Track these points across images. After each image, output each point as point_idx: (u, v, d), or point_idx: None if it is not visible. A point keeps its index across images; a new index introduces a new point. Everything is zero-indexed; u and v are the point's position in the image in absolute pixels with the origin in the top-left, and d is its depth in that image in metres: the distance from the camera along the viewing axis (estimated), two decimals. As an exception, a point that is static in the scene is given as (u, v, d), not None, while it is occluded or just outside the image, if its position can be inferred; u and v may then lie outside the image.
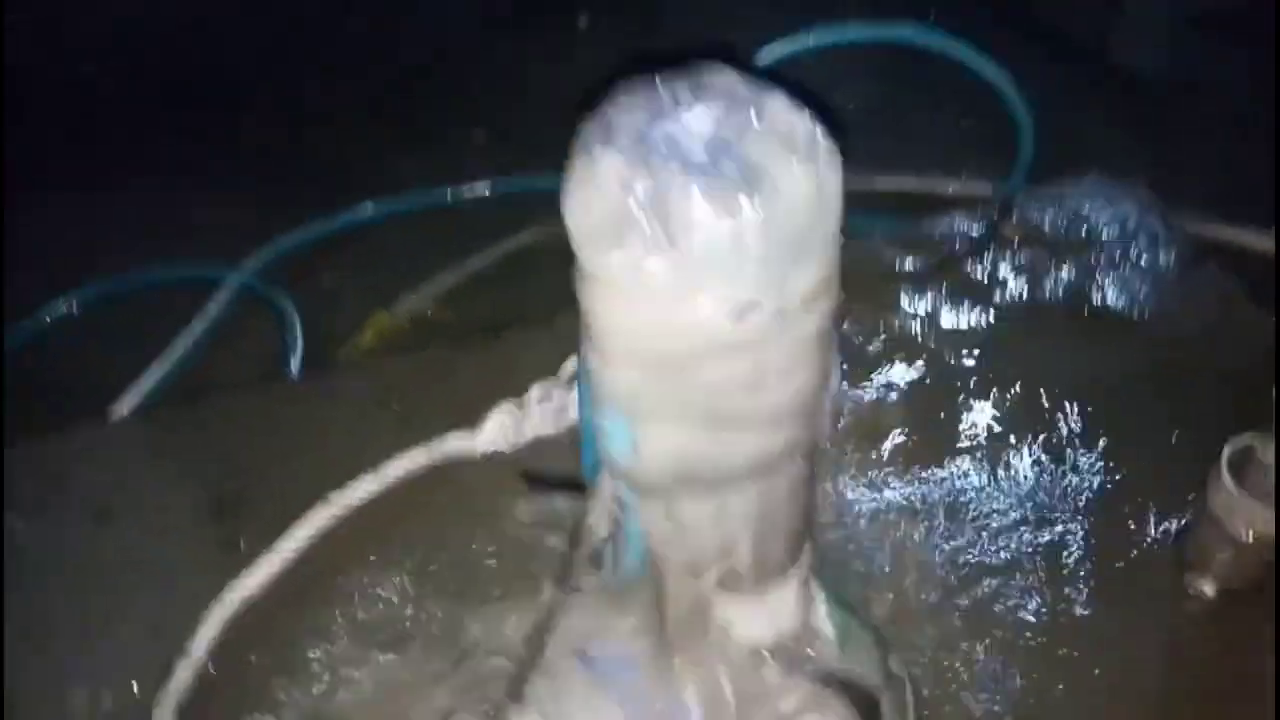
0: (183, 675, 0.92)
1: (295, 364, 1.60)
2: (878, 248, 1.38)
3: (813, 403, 0.53)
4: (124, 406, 1.49)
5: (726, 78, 0.47)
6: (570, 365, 1.16)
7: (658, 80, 0.46)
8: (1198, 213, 1.55)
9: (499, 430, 1.13)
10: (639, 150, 0.44)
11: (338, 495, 1.08)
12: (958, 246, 1.39)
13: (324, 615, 1.00)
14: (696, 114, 0.45)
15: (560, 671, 0.77)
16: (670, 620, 0.69)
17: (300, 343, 1.62)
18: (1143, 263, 1.34)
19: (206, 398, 1.29)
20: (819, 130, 0.46)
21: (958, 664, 0.94)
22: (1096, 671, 0.93)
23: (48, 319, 1.77)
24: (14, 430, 1.31)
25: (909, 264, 1.36)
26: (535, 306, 1.30)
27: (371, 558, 1.05)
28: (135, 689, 0.95)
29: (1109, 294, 1.30)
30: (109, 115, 2.21)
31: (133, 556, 1.08)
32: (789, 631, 0.73)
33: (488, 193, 1.93)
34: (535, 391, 1.15)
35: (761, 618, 0.71)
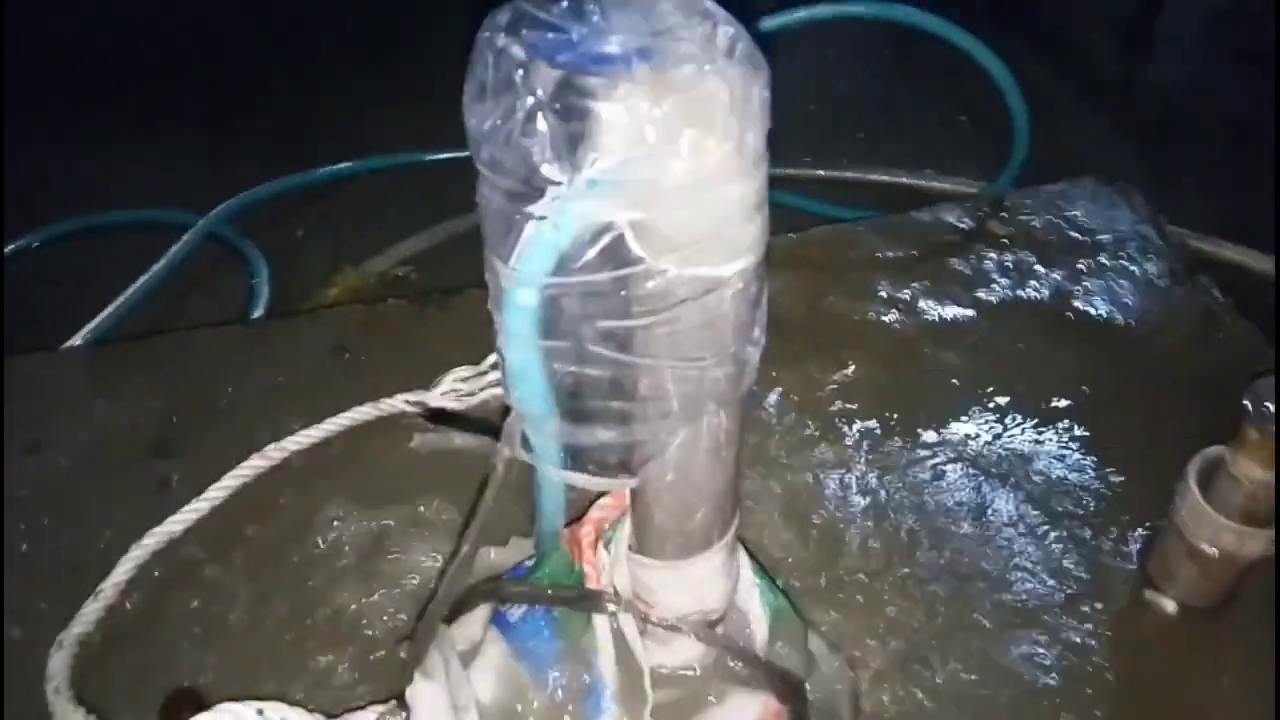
0: (90, 613, 0.88)
1: (259, 314, 1.57)
2: (857, 234, 1.35)
3: (729, 348, 0.49)
4: (78, 341, 1.46)
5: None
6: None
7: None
8: (1193, 226, 1.51)
9: (451, 390, 1.10)
10: (547, 44, 0.40)
11: (275, 447, 1.04)
12: (943, 240, 1.35)
13: (245, 563, 0.97)
14: (614, 11, 0.41)
15: (471, 634, 0.73)
16: (585, 583, 0.65)
17: (266, 293, 1.59)
18: (1132, 270, 1.30)
19: (158, 335, 1.26)
20: (743, 36, 0.42)
21: (905, 663, 0.90)
22: (1046, 682, 0.89)
23: (13, 253, 1.74)
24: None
25: (889, 253, 1.32)
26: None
27: (302, 508, 1.01)
28: (45, 624, 0.91)
29: (1094, 299, 1.26)
30: (97, 59, 2.19)
31: (62, 490, 1.05)
32: (713, 607, 0.69)
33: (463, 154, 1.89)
34: (492, 358, 1.12)
35: (683, 589, 0.67)
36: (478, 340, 1.13)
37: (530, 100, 0.40)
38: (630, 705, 0.68)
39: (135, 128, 2.02)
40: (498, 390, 1.09)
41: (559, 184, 0.41)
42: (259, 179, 1.81)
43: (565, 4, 0.41)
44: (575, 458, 0.55)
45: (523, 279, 0.45)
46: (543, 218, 0.42)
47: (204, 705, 0.79)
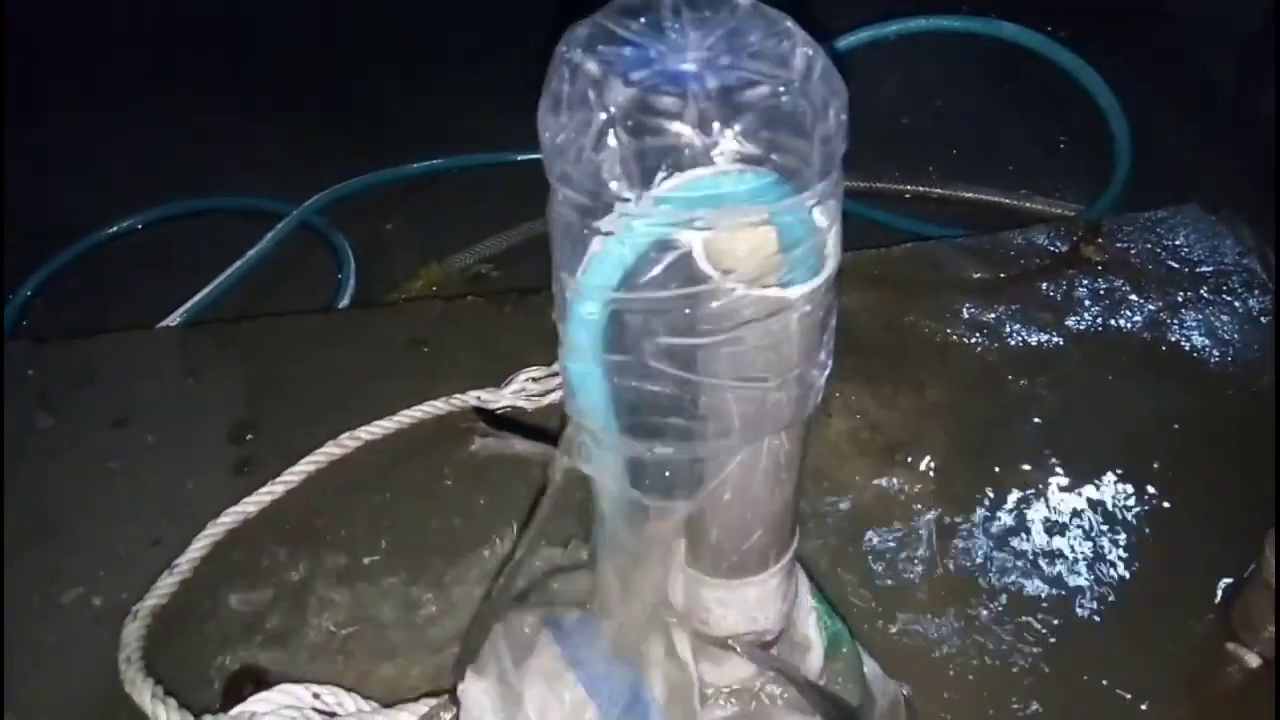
0: (164, 587, 0.91)
1: (345, 303, 1.61)
2: (943, 253, 1.32)
3: (793, 370, 0.48)
4: (172, 321, 1.52)
5: (734, -4, 0.42)
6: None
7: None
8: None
9: (521, 389, 1.11)
10: (623, 61, 0.40)
11: (349, 435, 1.06)
12: (1033, 263, 1.31)
13: (313, 548, 0.99)
14: (692, 30, 0.40)
15: (524, 637, 0.74)
16: (631, 595, 0.65)
17: (352, 284, 1.63)
18: (1233, 304, 1.24)
19: (245, 320, 1.30)
20: (821, 57, 0.41)
21: (969, 702, 0.88)
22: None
23: (117, 233, 1.82)
24: (69, 327, 1.34)
25: (975, 274, 1.29)
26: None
27: (375, 495, 1.03)
28: (124, 594, 0.95)
29: (1191, 332, 1.21)
30: (209, 52, 2.28)
31: (145, 465, 1.09)
32: (768, 628, 0.68)
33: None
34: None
35: (737, 609, 0.66)
36: (552, 340, 1.14)
37: (602, 116, 0.40)
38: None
39: (239, 117, 2.10)
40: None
41: (627, 200, 0.41)
42: (353, 172, 1.86)
43: (644, 20, 0.41)
44: (633, 471, 0.55)
45: (587, 292, 0.45)
46: (610, 233, 0.42)
47: (265, 683, 0.81)
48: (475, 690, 0.69)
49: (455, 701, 0.72)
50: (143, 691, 0.76)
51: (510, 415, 1.01)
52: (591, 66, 0.40)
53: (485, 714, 0.68)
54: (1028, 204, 1.69)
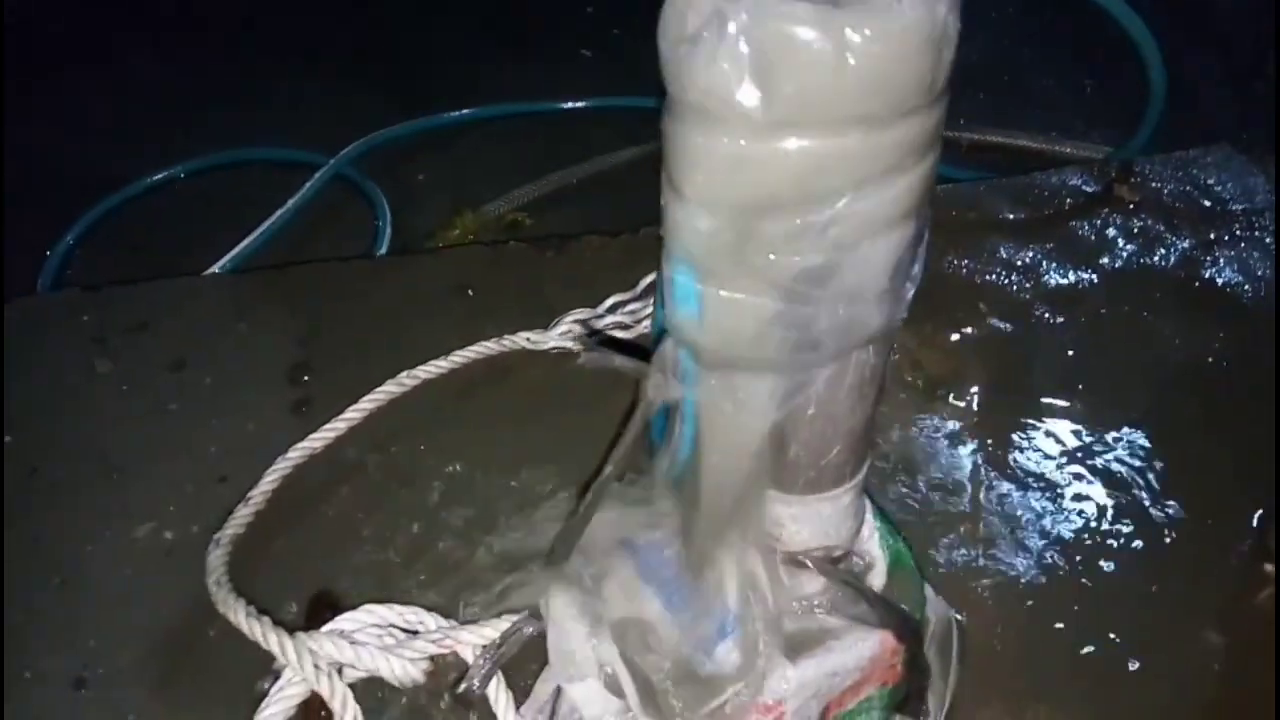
0: (241, 517, 0.94)
1: (382, 252, 1.63)
2: (979, 195, 1.33)
3: (891, 283, 0.51)
4: (217, 268, 1.54)
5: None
6: (648, 279, 1.16)
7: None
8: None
9: (568, 331, 1.13)
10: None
11: (407, 374, 1.09)
12: (1067, 203, 1.33)
13: (379, 480, 1.02)
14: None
15: (601, 555, 0.77)
16: (714, 513, 0.67)
17: (389, 231, 1.65)
18: (1266, 242, 1.26)
19: (294, 266, 1.32)
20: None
21: (1023, 625, 0.91)
22: (1155, 654, 0.89)
23: (159, 181, 1.84)
24: (111, 277, 1.36)
25: (1010, 215, 1.31)
26: (620, 224, 1.30)
27: (433, 431, 1.06)
28: (195, 528, 0.98)
29: (1224, 270, 1.23)
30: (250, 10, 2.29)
31: (205, 406, 1.12)
32: (839, 544, 0.71)
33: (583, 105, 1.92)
34: (608, 302, 1.15)
35: (811, 525, 0.69)
36: (593, 284, 1.17)
37: (731, 25, 0.41)
38: (752, 631, 0.71)
39: (273, 70, 2.12)
40: (614, 332, 1.12)
41: (751, 108, 0.43)
42: (384, 122, 1.87)
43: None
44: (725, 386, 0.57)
45: (700, 201, 0.47)
46: (728, 144, 0.44)
47: (342, 607, 0.84)
48: (560, 602, 0.72)
49: (538, 617, 0.75)
50: (236, 611, 0.79)
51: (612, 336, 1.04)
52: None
53: (569, 622, 0.71)
54: (1057, 147, 1.70)
